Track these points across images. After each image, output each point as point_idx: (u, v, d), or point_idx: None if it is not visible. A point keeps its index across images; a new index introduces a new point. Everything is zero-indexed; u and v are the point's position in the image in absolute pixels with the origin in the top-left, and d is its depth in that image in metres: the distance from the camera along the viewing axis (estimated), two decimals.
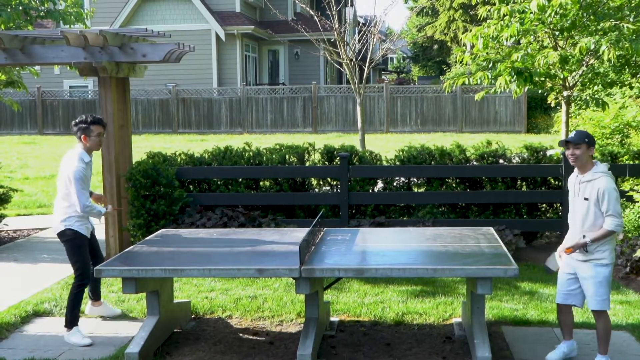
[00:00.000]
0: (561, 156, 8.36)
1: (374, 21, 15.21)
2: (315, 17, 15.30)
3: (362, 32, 15.51)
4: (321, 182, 9.08)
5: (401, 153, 8.86)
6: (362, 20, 26.77)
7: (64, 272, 7.80)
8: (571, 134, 5.05)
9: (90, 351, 5.46)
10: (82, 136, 5.78)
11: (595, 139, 11.68)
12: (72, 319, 5.71)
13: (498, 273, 4.87)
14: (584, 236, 4.94)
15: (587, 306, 5.12)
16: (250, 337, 5.79)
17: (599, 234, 4.89)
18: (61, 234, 5.81)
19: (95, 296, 6.28)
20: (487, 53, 9.37)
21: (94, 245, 6.08)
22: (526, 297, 6.74)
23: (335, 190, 8.91)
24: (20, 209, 11.75)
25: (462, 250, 5.41)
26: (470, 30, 9.14)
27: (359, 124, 14.94)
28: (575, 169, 5.05)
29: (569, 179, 5.20)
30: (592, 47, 8.07)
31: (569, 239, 5.12)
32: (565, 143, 5.00)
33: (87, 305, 6.32)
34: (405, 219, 8.72)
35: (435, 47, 45.56)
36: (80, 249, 5.79)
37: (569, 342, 5.25)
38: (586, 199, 4.93)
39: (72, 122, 5.94)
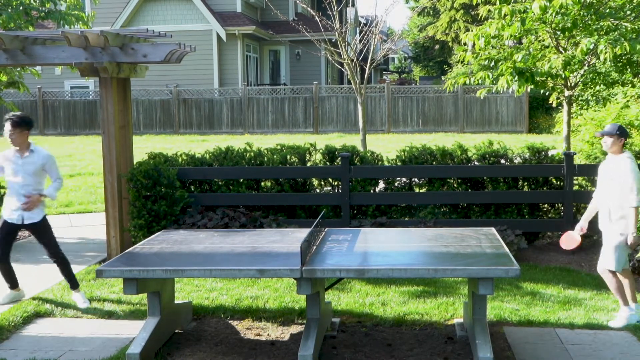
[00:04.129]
0: (563, 156, 8.35)
1: (375, 21, 15.19)
2: (316, 18, 15.28)
3: (363, 32, 15.49)
4: (322, 183, 9.08)
5: (402, 153, 8.85)
6: (363, 21, 26.78)
7: None
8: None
9: (91, 352, 5.46)
10: None
11: (597, 139, 11.69)
12: None
13: (499, 273, 4.86)
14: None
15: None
16: (252, 337, 5.79)
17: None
18: None
19: (12, 283, 6.81)
20: (488, 52, 9.36)
21: (35, 234, 6.72)
22: (528, 297, 6.73)
23: (336, 191, 8.90)
24: None
25: (463, 250, 5.40)
26: (472, 30, 9.12)
27: (360, 124, 14.92)
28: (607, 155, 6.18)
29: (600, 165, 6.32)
30: (592, 47, 8.07)
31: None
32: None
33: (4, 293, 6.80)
34: (406, 219, 8.71)
35: (437, 47, 45.52)
36: None
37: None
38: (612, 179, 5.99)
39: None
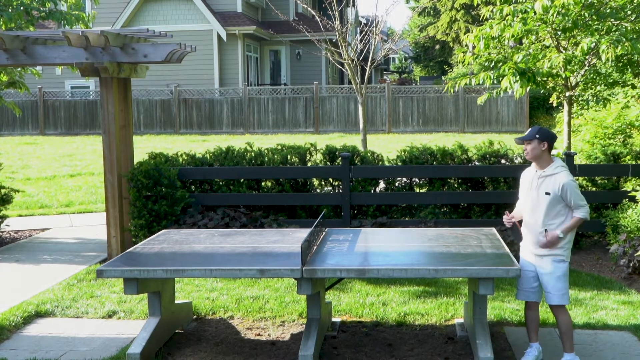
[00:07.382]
0: (563, 156, 8.34)
1: (375, 21, 15.19)
2: (317, 17, 15.30)
3: (364, 32, 15.50)
4: (323, 183, 9.08)
5: (403, 153, 8.85)
6: (363, 21, 26.77)
7: (66, 272, 7.81)
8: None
9: (92, 352, 5.46)
10: None
11: (598, 139, 11.70)
12: None
13: (500, 273, 4.86)
14: (546, 230, 4.90)
15: (546, 302, 5.05)
16: (252, 337, 5.79)
17: (571, 224, 4.90)
18: None
19: None
20: (489, 53, 9.36)
21: None
22: None
23: (337, 191, 8.90)
24: (22, 209, 11.76)
25: (464, 250, 5.40)
26: (472, 31, 9.12)
27: (361, 124, 14.93)
28: (532, 164, 5.09)
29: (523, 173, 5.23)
30: (593, 46, 8.08)
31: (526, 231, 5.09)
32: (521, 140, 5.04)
33: None
34: (407, 219, 8.71)
35: (437, 47, 45.58)
36: None
37: (536, 344, 5.16)
38: (547, 193, 4.90)
39: None
